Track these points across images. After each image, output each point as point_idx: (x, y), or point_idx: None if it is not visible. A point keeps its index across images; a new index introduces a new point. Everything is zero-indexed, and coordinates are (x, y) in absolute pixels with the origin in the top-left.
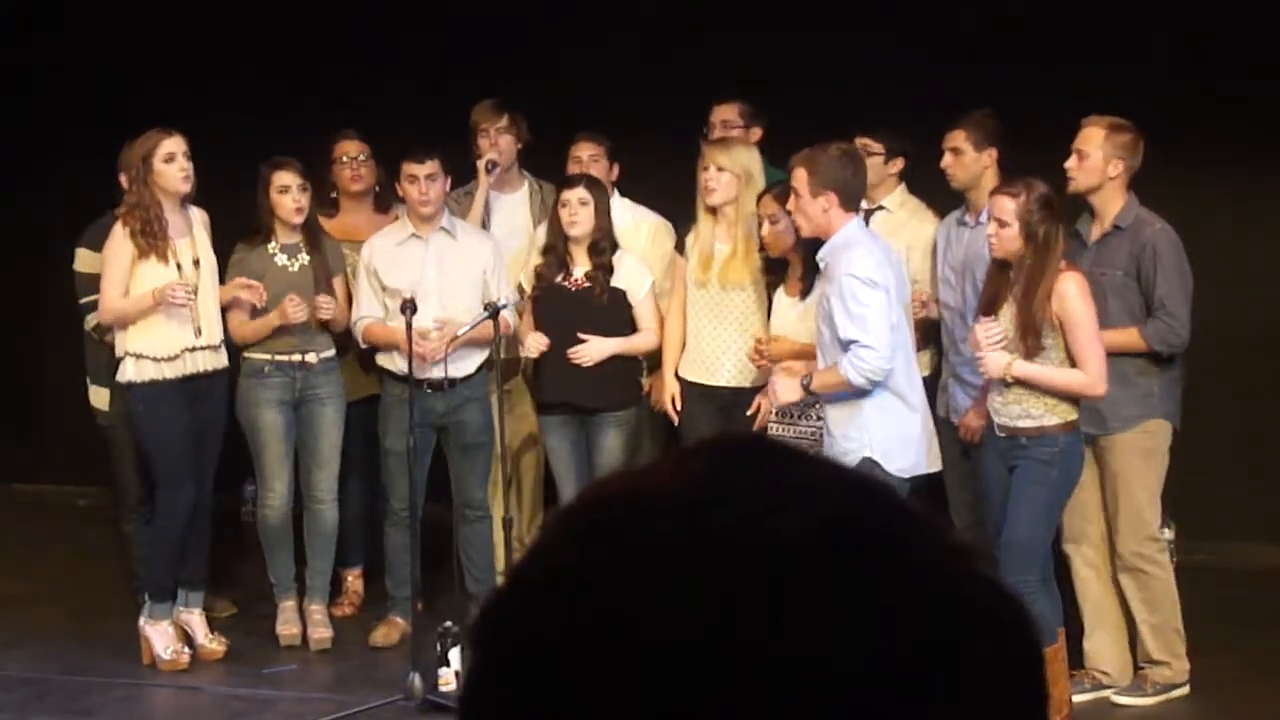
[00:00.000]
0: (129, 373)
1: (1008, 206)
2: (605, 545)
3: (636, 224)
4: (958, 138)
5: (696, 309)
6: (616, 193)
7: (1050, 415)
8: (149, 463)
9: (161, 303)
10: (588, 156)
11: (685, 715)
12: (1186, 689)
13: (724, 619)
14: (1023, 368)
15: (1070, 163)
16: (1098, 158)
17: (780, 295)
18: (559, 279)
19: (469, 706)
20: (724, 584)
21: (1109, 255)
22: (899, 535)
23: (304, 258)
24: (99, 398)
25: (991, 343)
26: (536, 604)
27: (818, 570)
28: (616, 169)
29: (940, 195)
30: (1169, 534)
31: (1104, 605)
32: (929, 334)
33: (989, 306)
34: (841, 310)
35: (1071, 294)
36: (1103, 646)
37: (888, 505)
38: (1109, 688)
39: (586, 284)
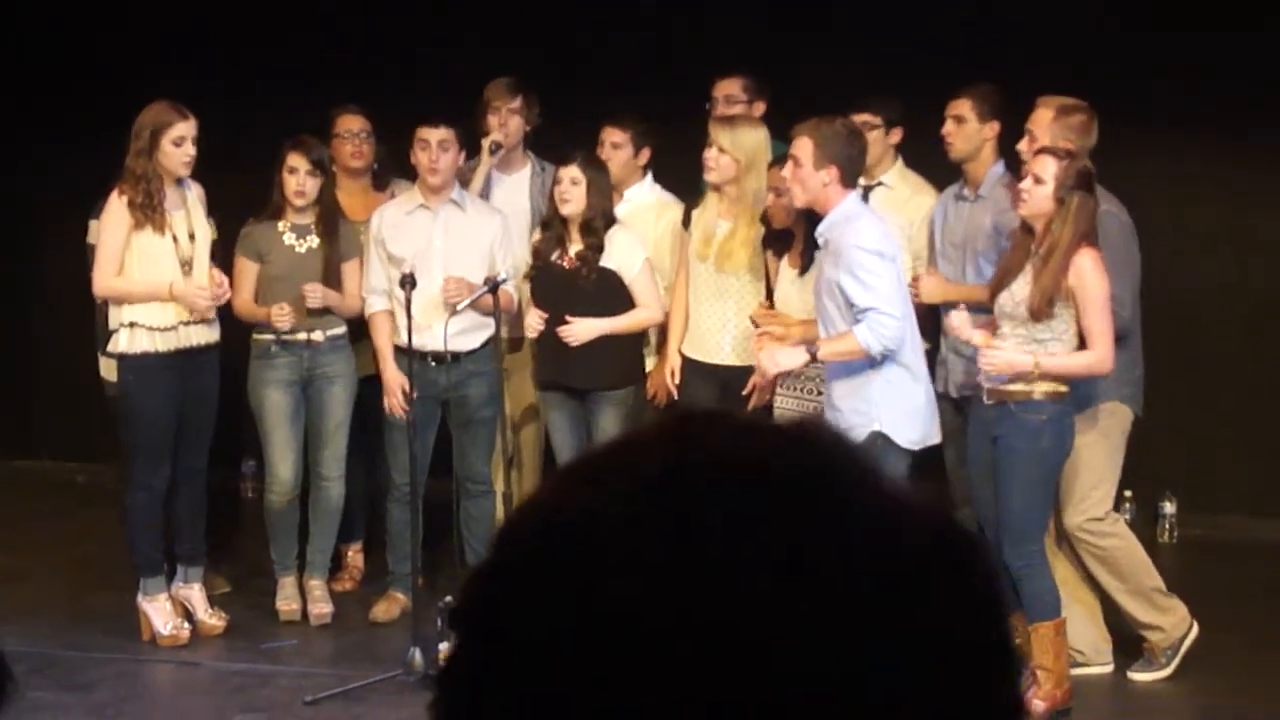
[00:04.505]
0: (122, 343)
1: (1050, 166)
2: (586, 487)
3: (659, 207)
4: (962, 106)
5: (696, 285)
6: (650, 177)
7: (1041, 382)
8: (129, 435)
9: (180, 300)
10: (610, 143)
11: (643, 638)
12: (1194, 634)
13: (682, 552)
14: (1049, 363)
15: (1022, 143)
16: (1044, 139)
17: (784, 267)
18: (554, 257)
19: (450, 670)
20: (684, 517)
21: None
22: (838, 480)
23: (313, 240)
24: (109, 368)
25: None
26: (515, 545)
27: (762, 507)
28: (647, 153)
29: (933, 172)
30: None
31: (1072, 584)
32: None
33: (1002, 280)
34: (853, 281)
35: (1088, 269)
36: (1074, 625)
37: (831, 453)
38: (1083, 666)
39: (578, 263)
